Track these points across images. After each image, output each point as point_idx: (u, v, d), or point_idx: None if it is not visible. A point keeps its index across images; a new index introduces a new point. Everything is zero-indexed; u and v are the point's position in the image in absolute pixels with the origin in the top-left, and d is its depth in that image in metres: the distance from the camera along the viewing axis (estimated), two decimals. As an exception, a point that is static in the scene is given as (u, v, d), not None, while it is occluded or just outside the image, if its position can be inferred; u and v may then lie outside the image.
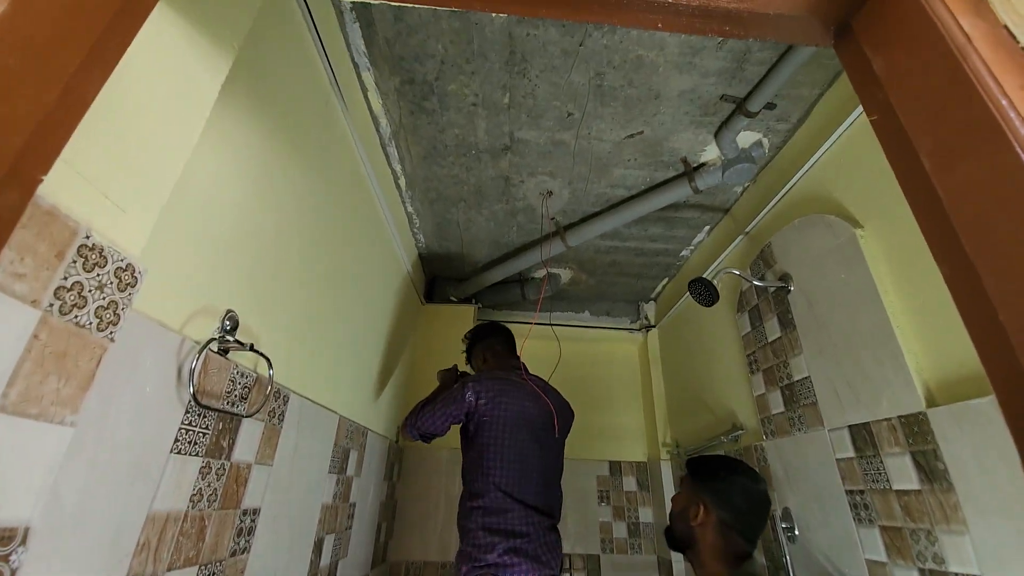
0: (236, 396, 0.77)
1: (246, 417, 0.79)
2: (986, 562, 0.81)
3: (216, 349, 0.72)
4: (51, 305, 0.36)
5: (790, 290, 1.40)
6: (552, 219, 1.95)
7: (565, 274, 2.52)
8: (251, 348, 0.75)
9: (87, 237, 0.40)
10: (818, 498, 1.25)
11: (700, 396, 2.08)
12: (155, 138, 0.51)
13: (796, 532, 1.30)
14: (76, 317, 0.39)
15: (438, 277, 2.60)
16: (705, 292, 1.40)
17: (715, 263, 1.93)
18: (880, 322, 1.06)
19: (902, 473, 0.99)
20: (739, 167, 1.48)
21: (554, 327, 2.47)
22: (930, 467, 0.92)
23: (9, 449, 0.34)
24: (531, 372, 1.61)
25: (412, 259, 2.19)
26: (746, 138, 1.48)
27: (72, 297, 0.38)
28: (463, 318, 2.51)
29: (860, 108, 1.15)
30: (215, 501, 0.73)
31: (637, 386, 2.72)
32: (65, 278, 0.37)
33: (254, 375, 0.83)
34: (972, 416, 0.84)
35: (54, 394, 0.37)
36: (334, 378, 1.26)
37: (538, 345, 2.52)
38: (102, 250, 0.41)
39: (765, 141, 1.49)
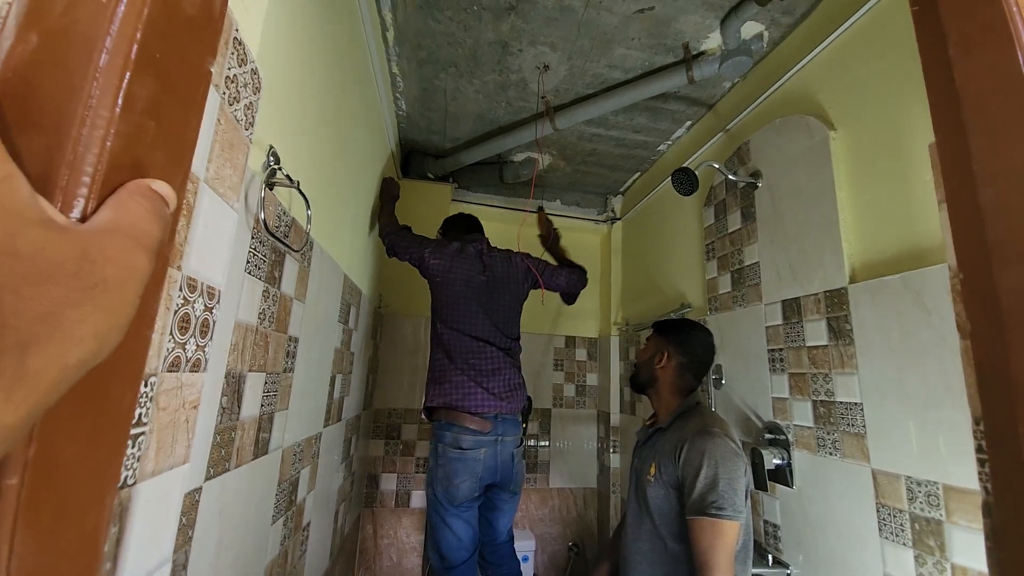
0: (281, 233, 0.82)
1: (292, 252, 0.85)
2: (867, 394, 1.11)
3: (266, 181, 0.74)
4: (224, 93, 0.39)
5: (758, 186, 1.56)
6: (544, 98, 1.91)
7: (544, 159, 2.53)
8: (298, 187, 0.78)
9: (236, 31, 0.40)
10: (744, 357, 1.56)
11: (655, 280, 2.34)
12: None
13: (723, 381, 1.64)
14: (235, 111, 0.41)
15: (415, 151, 2.51)
16: (687, 182, 1.53)
17: (690, 159, 2.04)
18: (829, 215, 1.25)
19: (816, 333, 1.26)
20: (736, 59, 1.51)
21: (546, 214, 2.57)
22: (839, 328, 1.19)
23: (213, 220, 0.39)
24: (495, 247, 1.83)
25: (393, 128, 2.09)
26: (750, 29, 1.50)
27: (233, 89, 0.40)
28: (439, 196, 2.51)
29: (864, 9, 1.20)
30: (272, 323, 0.81)
31: (596, 272, 2.97)
32: (228, 67, 0.39)
33: (290, 217, 0.86)
34: (882, 289, 1.08)
35: (228, 179, 0.41)
36: (339, 237, 1.30)
37: (510, 229, 2.61)
38: (244, 46, 0.42)
39: (766, 34, 1.51)
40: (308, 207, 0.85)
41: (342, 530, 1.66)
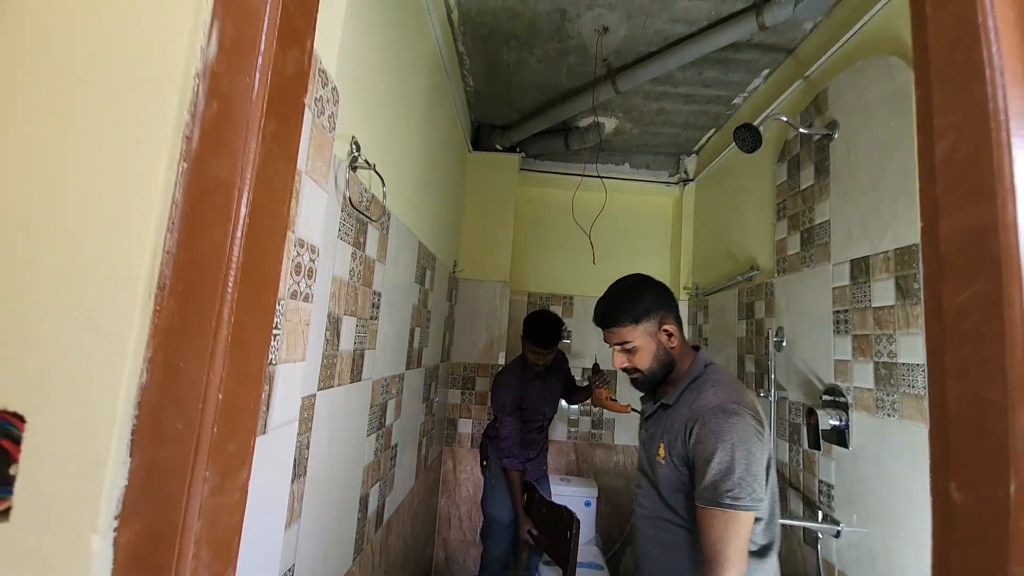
0: (363, 207, 1.01)
1: (372, 222, 1.05)
2: (925, 352, 1.07)
3: (350, 165, 0.93)
4: (313, 109, 0.55)
5: (833, 138, 1.46)
6: (604, 60, 1.92)
7: (610, 123, 2.52)
8: (374, 168, 0.96)
9: (320, 62, 0.57)
10: (809, 318, 1.52)
11: (725, 243, 2.27)
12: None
13: (784, 343, 1.61)
14: (322, 121, 0.58)
15: (483, 124, 2.65)
16: (749, 138, 1.48)
17: (767, 110, 1.92)
18: (906, 164, 1.17)
19: (883, 293, 1.21)
20: (813, -1, 1.40)
21: (603, 179, 2.59)
22: (907, 287, 1.14)
23: (311, 199, 0.57)
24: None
25: (462, 104, 2.23)
26: (828, -37, 1.37)
27: (319, 106, 0.56)
28: (507, 167, 2.64)
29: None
30: (359, 279, 1.03)
31: (666, 237, 2.92)
32: (315, 91, 0.55)
33: (370, 193, 1.06)
34: (955, 244, 1.02)
35: (320, 169, 0.58)
36: (414, 208, 1.50)
37: (579, 196, 2.67)
38: (326, 73, 0.59)
39: (849, -32, 1.38)
40: (384, 184, 1.03)
41: (425, 459, 1.95)
